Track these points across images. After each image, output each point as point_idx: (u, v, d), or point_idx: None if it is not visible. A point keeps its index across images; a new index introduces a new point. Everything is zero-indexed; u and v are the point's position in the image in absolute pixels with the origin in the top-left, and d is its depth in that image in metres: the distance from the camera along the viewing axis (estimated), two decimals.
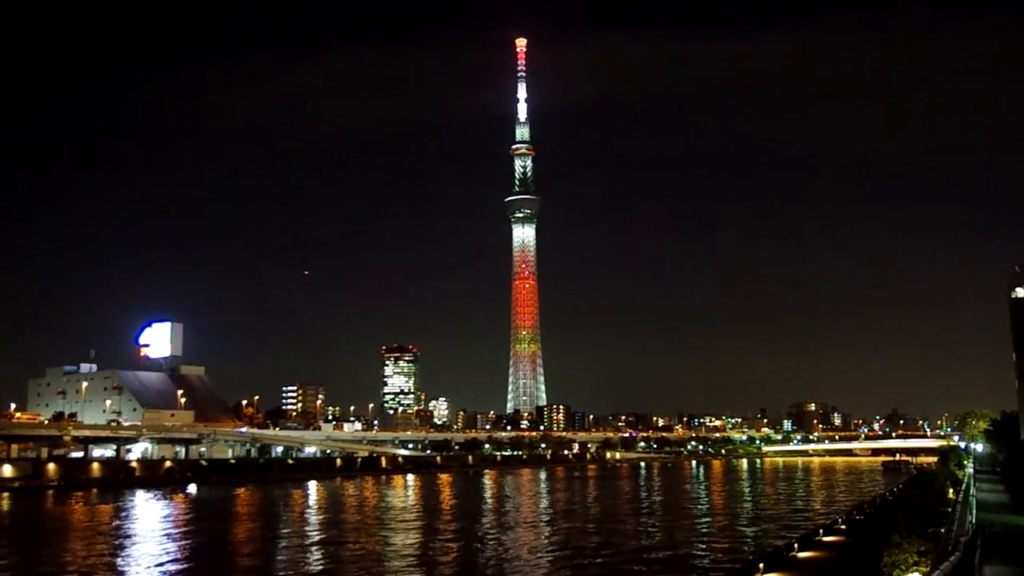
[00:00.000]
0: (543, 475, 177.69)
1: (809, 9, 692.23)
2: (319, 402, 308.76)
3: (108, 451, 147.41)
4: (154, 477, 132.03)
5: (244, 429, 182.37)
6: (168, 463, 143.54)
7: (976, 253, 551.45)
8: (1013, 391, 77.85)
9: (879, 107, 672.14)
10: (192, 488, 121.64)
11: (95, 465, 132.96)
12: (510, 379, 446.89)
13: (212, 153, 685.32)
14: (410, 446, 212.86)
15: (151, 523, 75.73)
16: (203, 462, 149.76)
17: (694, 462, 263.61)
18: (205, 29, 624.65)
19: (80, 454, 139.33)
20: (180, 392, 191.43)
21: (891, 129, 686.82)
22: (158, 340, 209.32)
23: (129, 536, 65.83)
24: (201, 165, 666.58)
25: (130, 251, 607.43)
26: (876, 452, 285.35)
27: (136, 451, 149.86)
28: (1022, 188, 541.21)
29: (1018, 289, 65.79)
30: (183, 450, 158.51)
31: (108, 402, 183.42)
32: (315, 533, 69.05)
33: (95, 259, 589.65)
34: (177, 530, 70.10)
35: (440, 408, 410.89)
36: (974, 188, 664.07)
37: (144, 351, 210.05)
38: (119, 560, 53.29)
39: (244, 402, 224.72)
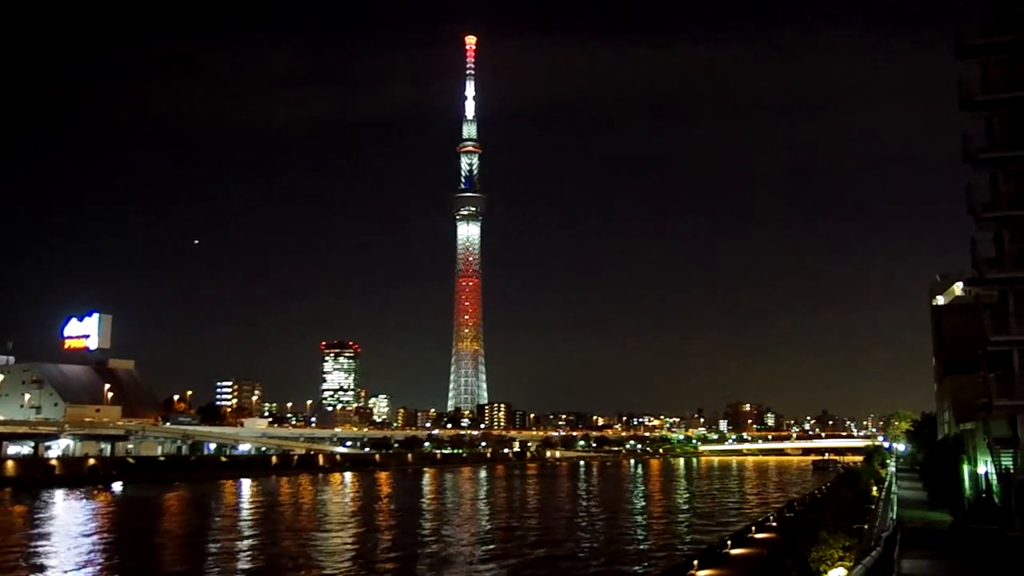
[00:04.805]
0: (483, 473, 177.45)
1: (755, 21, 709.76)
2: (255, 398, 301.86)
3: (25, 448, 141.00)
4: (76, 475, 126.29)
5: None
6: (92, 460, 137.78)
7: (902, 261, 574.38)
8: (933, 393, 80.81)
9: (818, 118, 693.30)
10: (117, 487, 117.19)
11: (9, 463, 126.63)
12: (452, 377, 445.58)
13: (144, 141, 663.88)
14: (348, 444, 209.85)
15: (68, 524, 72.34)
16: (130, 459, 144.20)
17: (632, 461, 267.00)
18: (129, 10, 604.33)
19: None
20: (107, 387, 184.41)
21: (824, 140, 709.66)
22: (84, 332, 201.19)
23: (42, 538, 62.58)
24: (132, 153, 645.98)
25: (56, 239, 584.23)
26: (807, 452, 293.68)
27: (57, 448, 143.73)
28: (943, 200, 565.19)
29: (938, 297, 68.49)
30: (109, 447, 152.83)
31: (27, 396, 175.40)
32: (246, 532, 67.12)
33: (16, 246, 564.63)
34: (96, 531, 67.15)
35: (380, 406, 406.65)
36: (900, 200, 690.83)
37: (69, 344, 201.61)
38: (28, 561, 50.65)
39: (176, 397, 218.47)
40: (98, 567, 49.47)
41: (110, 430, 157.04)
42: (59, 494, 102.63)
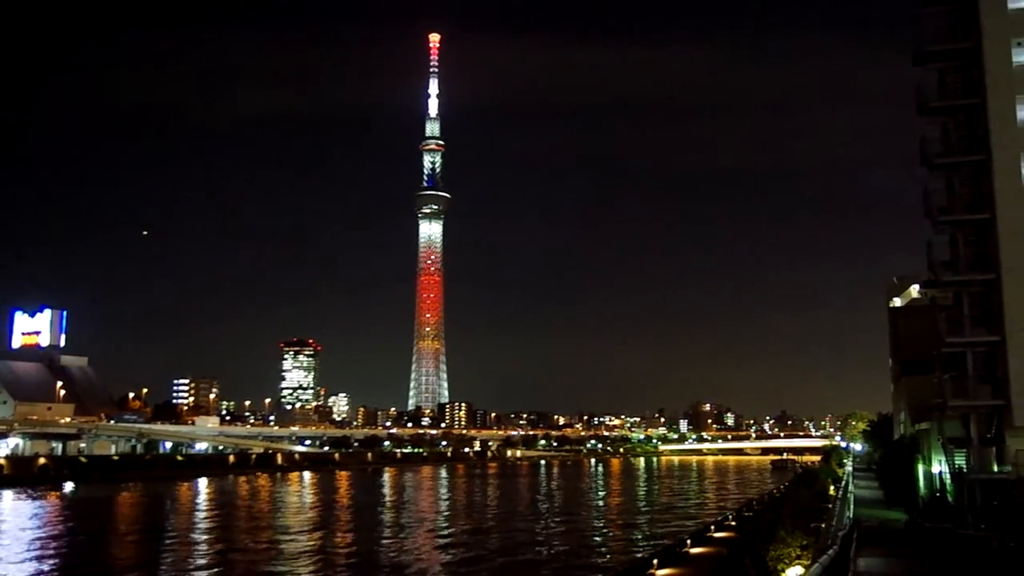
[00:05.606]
0: (443, 473, 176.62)
1: (717, 23, 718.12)
2: (213, 396, 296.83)
3: None
4: (26, 475, 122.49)
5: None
6: (43, 460, 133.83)
7: (860, 264, 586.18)
8: (890, 394, 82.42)
9: (775, 120, 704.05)
10: (69, 487, 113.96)
11: None
12: (412, 376, 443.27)
13: (103, 134, 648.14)
14: (307, 443, 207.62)
15: (15, 526, 69.97)
16: (83, 459, 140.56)
17: (593, 460, 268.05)
18: (97, 3, 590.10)
19: None
20: (60, 384, 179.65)
21: (781, 142, 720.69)
22: (36, 328, 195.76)
23: None
24: (92, 146, 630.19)
25: (9, 234, 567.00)
26: (766, 451, 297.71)
27: (6, 447, 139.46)
28: (900, 204, 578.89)
29: (895, 299, 69.78)
30: (60, 446, 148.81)
31: None
32: (199, 534, 65.67)
33: None
34: (44, 533, 65.08)
35: (340, 404, 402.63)
36: (858, 204, 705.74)
37: (20, 340, 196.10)
38: None
39: (131, 395, 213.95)
40: (44, 571, 47.84)
41: (62, 428, 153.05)
42: (7, 495, 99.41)
